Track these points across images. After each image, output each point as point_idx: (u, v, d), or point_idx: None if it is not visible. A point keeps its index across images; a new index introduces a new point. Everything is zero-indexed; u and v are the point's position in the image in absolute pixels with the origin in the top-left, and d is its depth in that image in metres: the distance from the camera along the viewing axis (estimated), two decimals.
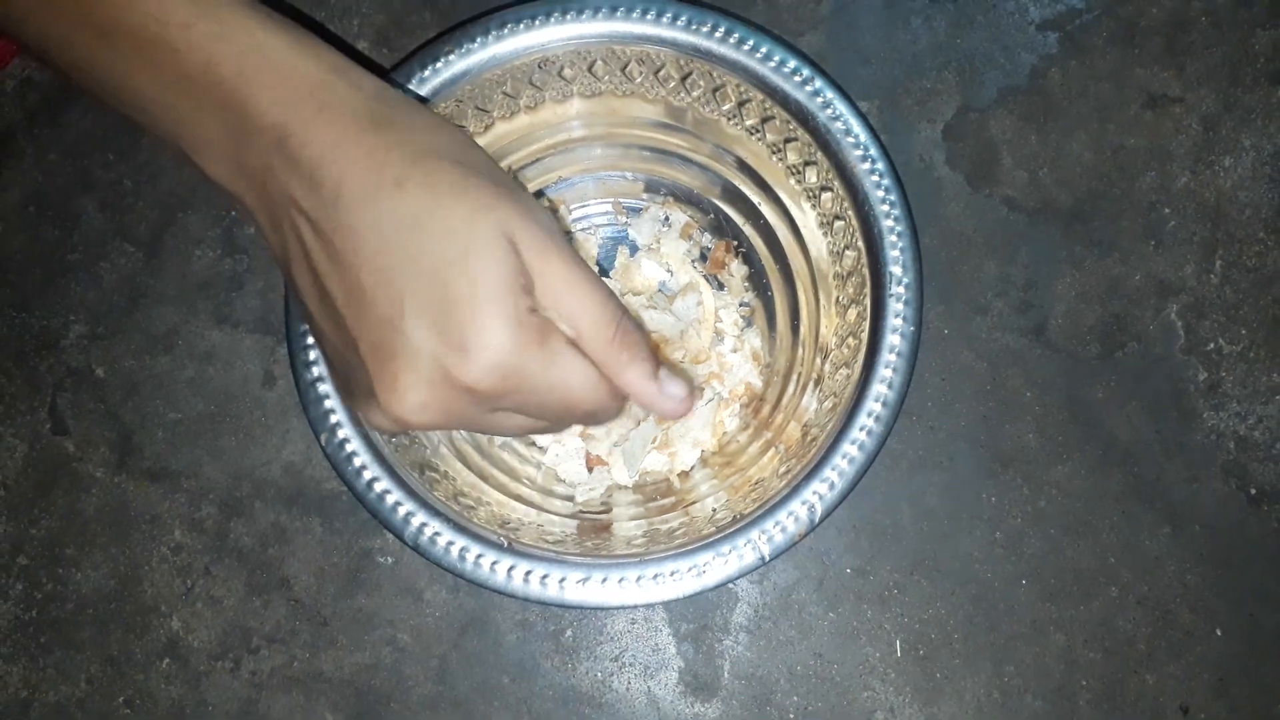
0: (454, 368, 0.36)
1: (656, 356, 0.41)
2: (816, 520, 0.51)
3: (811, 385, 0.59)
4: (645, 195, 0.65)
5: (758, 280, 0.64)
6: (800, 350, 0.62)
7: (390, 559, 0.62)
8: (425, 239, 0.36)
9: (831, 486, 0.51)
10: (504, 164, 0.61)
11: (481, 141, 0.59)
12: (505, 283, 0.36)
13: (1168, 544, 0.63)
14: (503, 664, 0.62)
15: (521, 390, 0.37)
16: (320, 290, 0.38)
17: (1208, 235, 0.67)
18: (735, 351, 0.63)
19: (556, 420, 0.41)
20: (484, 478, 0.58)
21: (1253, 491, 0.64)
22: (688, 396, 0.42)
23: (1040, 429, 0.64)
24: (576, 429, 0.61)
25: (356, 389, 0.40)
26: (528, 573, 0.50)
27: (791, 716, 0.61)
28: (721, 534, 0.51)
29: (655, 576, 0.50)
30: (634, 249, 0.65)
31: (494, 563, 0.51)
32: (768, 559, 0.50)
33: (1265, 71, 0.68)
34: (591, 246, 0.64)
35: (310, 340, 0.53)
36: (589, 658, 0.62)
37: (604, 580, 0.50)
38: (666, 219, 0.65)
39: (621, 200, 0.66)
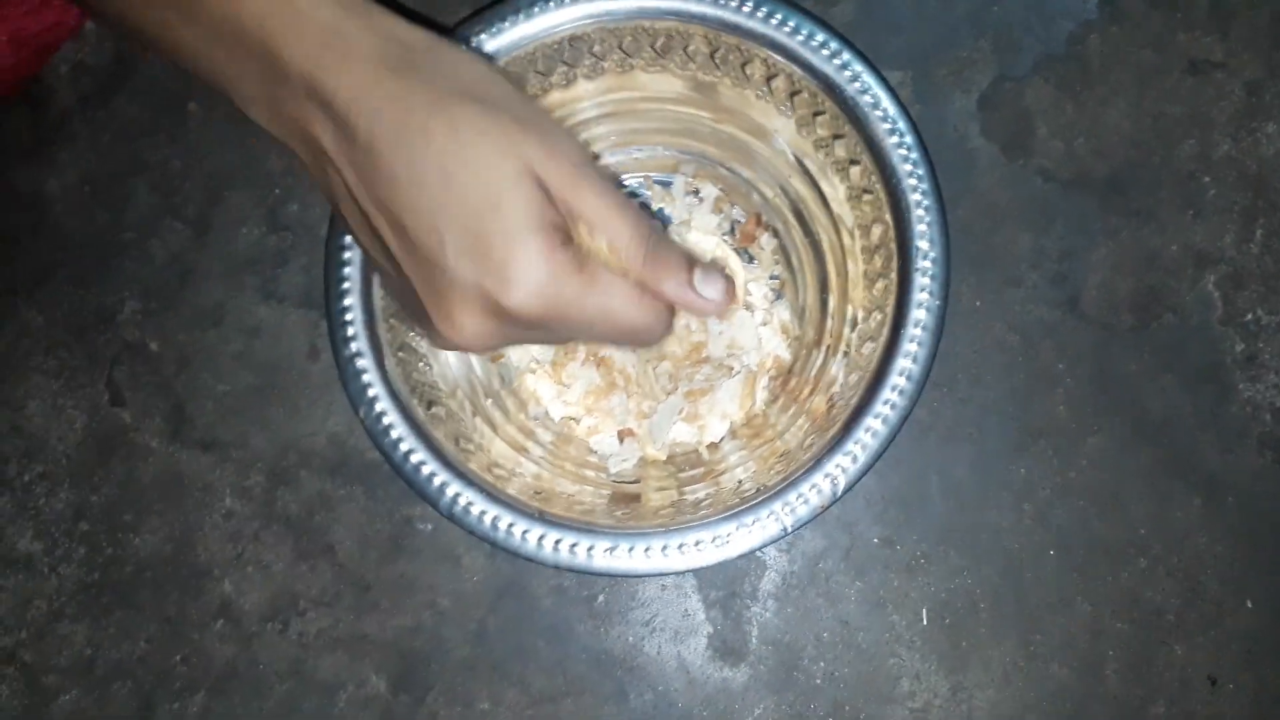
0: (500, 297, 0.39)
1: (692, 259, 0.43)
2: (839, 493, 0.52)
3: (840, 358, 0.59)
4: (677, 169, 0.66)
5: (788, 253, 0.65)
6: (829, 323, 0.62)
7: (430, 526, 0.65)
8: (455, 185, 0.38)
9: (854, 460, 0.52)
10: None
11: None
12: (534, 220, 0.38)
13: (1199, 516, 0.63)
14: (538, 628, 0.64)
15: (568, 315, 0.40)
16: (370, 230, 0.41)
17: (1248, 204, 0.66)
18: (765, 325, 0.64)
19: (607, 339, 0.44)
20: (518, 450, 0.60)
21: None
22: (725, 293, 0.44)
23: (1072, 401, 0.64)
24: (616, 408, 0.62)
25: (416, 317, 0.43)
26: (558, 541, 0.52)
27: (818, 682, 0.63)
28: (745, 505, 0.52)
29: (680, 546, 0.52)
30: (666, 222, 0.66)
31: (525, 531, 0.52)
32: (790, 530, 0.52)
33: None
34: None
35: (349, 317, 0.55)
36: (621, 622, 0.64)
37: (630, 549, 0.52)
38: (698, 193, 0.66)
39: (653, 175, 0.66)
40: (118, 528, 0.66)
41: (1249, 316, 0.65)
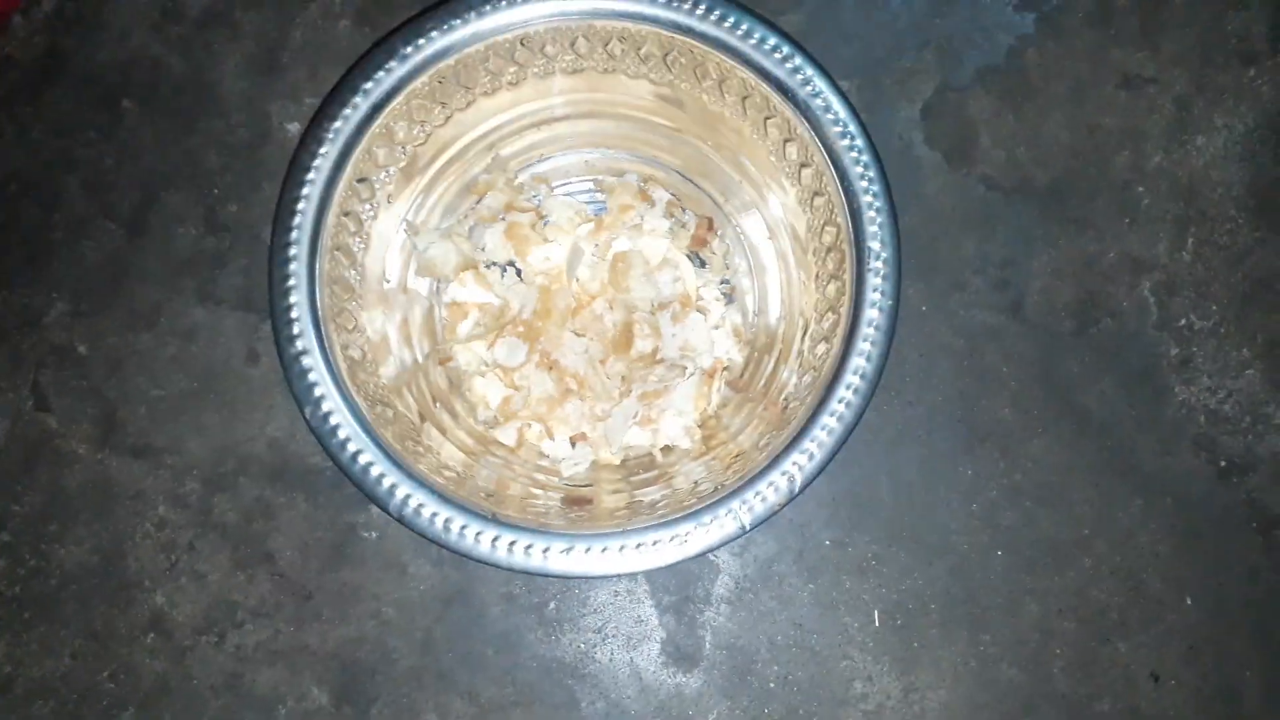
0: None
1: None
2: (796, 490, 0.52)
3: (792, 360, 0.59)
4: (627, 172, 0.66)
5: (739, 257, 0.65)
6: (780, 326, 0.62)
7: (374, 534, 0.63)
8: None
9: (810, 457, 0.52)
10: (485, 141, 0.62)
11: (463, 117, 0.59)
12: None
13: (1140, 515, 0.64)
14: (487, 636, 0.62)
15: None
16: None
17: (1180, 213, 0.68)
18: (717, 328, 0.64)
19: None
20: (468, 453, 0.58)
21: (1222, 464, 0.65)
22: None
23: (1016, 404, 0.65)
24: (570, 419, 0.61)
25: None
26: (512, 543, 0.51)
27: (772, 686, 0.62)
28: (703, 504, 0.52)
29: (638, 546, 0.51)
30: (599, 213, 0.66)
31: (478, 533, 0.51)
32: (748, 528, 0.51)
33: (1237, 52, 0.69)
34: (572, 224, 0.65)
35: (295, 314, 0.53)
36: (572, 629, 0.63)
37: (587, 550, 0.51)
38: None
39: (604, 178, 0.66)
40: (42, 538, 0.63)
41: (1182, 322, 0.66)
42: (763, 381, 0.61)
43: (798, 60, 0.55)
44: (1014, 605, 0.63)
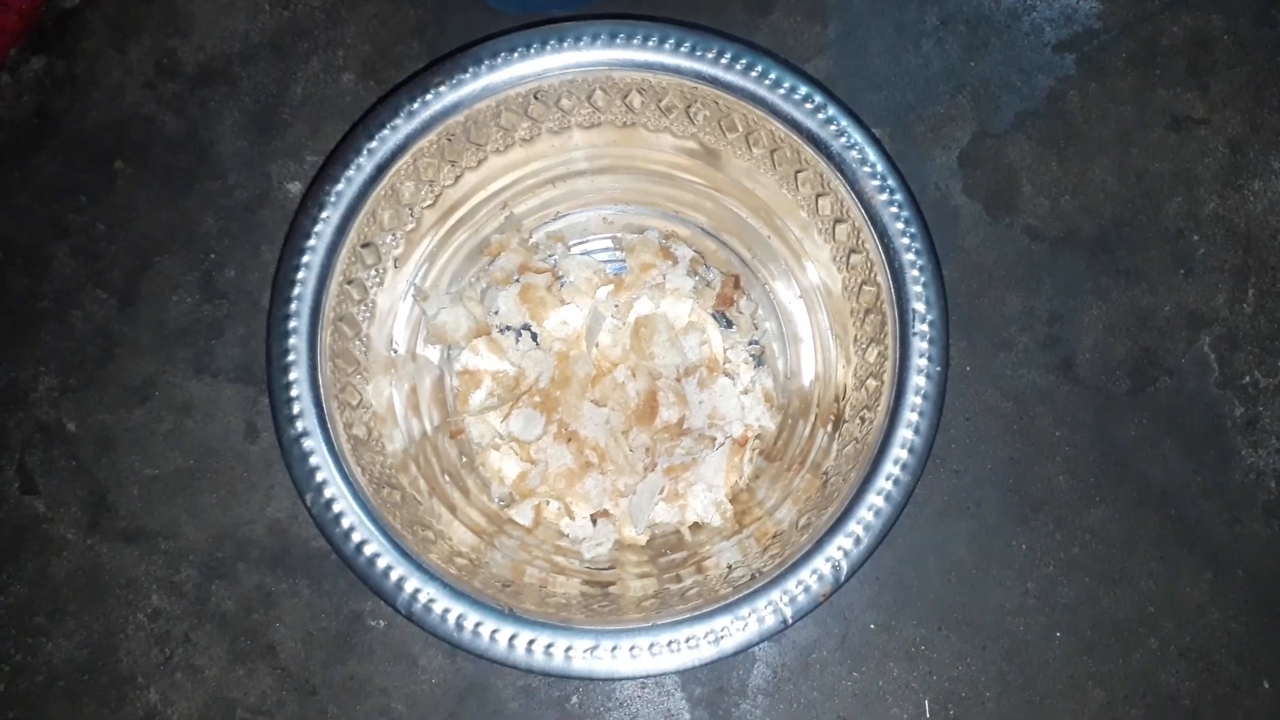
0: None
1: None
2: (842, 579, 0.47)
3: (829, 428, 0.55)
4: (648, 229, 0.62)
5: (768, 316, 0.61)
6: (816, 388, 0.58)
7: (383, 622, 0.58)
8: None
9: (857, 542, 0.48)
10: (498, 199, 0.58)
11: (474, 176, 0.56)
12: None
13: (1210, 591, 0.59)
14: None
15: None
16: None
17: (1239, 263, 0.63)
18: (746, 393, 0.60)
19: None
20: (480, 534, 0.54)
21: None
22: None
23: (1071, 471, 0.61)
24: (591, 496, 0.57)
25: None
26: (531, 642, 0.47)
27: None
28: (739, 595, 0.47)
29: (670, 644, 0.46)
30: (619, 272, 0.62)
31: (494, 631, 0.47)
32: (790, 622, 0.47)
33: None
34: (591, 286, 0.61)
35: (295, 393, 0.49)
36: None
37: (614, 648, 0.46)
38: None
39: (623, 235, 0.62)
40: (28, 631, 0.59)
41: (1246, 379, 0.62)
42: (798, 448, 0.57)
43: (830, 110, 0.52)
44: (1076, 691, 0.58)
